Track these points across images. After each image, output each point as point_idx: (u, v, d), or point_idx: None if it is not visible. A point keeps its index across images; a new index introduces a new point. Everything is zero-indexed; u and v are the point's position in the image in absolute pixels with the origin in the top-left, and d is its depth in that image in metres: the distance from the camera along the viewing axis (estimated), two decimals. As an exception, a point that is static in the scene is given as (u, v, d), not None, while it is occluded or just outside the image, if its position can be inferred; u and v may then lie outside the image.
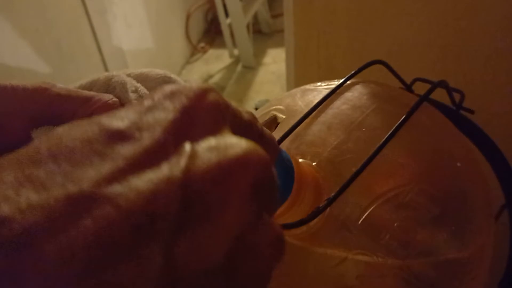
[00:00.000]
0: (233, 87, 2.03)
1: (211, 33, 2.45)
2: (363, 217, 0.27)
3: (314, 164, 0.29)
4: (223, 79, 2.09)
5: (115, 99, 0.24)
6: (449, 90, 0.36)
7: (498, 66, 0.60)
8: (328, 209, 0.27)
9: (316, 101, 0.33)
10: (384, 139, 0.29)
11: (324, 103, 0.33)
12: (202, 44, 2.36)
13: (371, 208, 0.27)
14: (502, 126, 0.61)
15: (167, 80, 0.27)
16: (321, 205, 0.26)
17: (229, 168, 0.12)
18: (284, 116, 0.34)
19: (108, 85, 0.25)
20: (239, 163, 0.13)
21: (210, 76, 2.12)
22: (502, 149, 0.41)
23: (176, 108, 0.13)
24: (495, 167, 0.41)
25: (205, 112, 0.14)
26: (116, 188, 0.11)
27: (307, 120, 0.32)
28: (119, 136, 0.12)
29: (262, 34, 2.40)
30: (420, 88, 0.38)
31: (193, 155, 0.12)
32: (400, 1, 0.61)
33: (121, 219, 0.10)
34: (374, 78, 0.38)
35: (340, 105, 0.32)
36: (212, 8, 2.38)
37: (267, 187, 0.14)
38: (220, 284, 0.12)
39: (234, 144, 0.13)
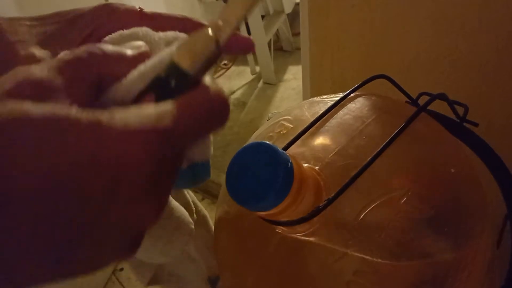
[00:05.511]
0: (254, 102, 2.07)
1: (234, 50, 2.52)
2: (361, 216, 0.29)
3: (316, 168, 0.32)
4: (244, 95, 2.14)
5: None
6: (449, 103, 0.38)
7: (506, 80, 0.61)
8: (329, 209, 0.29)
9: (321, 111, 0.36)
10: (382, 145, 0.31)
11: (328, 114, 0.36)
12: (224, 61, 2.43)
13: (368, 209, 0.29)
14: (508, 139, 0.62)
15: None
16: (321, 205, 0.29)
17: None
18: (291, 125, 0.37)
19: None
20: None
21: (232, 92, 2.17)
22: (507, 162, 0.42)
23: None
24: (498, 179, 0.43)
25: None
26: None
27: (312, 129, 0.35)
28: None
29: (283, 51, 2.45)
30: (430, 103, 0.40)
31: None
32: (410, 18, 0.63)
33: None
34: (385, 93, 0.40)
35: (343, 115, 0.35)
36: (235, 26, 2.44)
37: None
38: None
39: None
